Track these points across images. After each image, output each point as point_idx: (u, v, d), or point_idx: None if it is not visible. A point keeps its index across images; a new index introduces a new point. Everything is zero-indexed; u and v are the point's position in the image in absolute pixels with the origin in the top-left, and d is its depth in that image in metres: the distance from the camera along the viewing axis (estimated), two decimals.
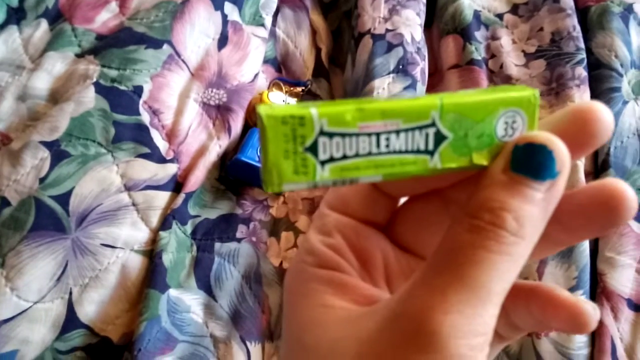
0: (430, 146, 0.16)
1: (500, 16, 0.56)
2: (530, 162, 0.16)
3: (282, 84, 0.53)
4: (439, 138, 0.16)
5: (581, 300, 0.19)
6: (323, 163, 0.16)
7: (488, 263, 0.15)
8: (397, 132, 0.16)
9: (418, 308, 0.15)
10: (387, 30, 0.52)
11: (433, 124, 0.16)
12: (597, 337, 0.42)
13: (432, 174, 0.17)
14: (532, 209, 0.16)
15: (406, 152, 0.16)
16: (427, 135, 0.16)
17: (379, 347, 0.16)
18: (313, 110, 0.15)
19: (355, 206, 0.20)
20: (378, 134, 0.16)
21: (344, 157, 0.16)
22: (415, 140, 0.16)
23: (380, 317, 0.16)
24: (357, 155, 0.16)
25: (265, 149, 0.16)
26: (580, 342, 0.41)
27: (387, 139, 0.16)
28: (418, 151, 0.16)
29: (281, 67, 0.57)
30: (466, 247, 0.15)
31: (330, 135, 0.16)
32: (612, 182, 0.17)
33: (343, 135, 0.16)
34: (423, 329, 0.15)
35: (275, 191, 0.16)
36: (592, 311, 0.18)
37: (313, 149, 0.16)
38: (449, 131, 0.16)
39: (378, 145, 0.16)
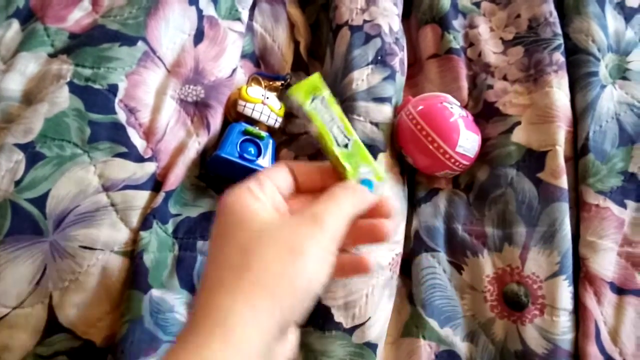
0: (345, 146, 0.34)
1: (477, 4, 0.56)
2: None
3: (261, 79, 0.53)
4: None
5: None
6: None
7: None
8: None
9: (320, 210, 0.30)
10: (365, 22, 0.52)
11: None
12: (581, 321, 0.42)
13: (329, 155, 0.34)
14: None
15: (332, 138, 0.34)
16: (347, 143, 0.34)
17: (294, 223, 0.30)
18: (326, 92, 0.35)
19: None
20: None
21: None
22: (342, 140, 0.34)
23: (296, 213, 0.31)
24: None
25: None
26: (564, 327, 0.42)
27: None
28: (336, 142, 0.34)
29: (260, 62, 0.56)
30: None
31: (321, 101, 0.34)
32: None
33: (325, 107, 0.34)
34: (319, 217, 0.29)
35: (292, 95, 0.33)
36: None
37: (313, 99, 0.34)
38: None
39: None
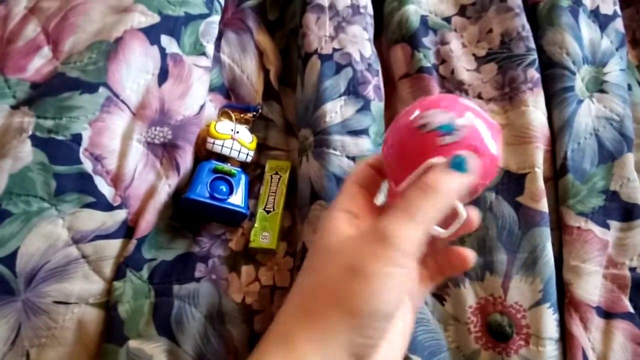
0: None
1: (448, 19, 0.54)
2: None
3: (231, 112, 0.52)
4: None
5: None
6: None
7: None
8: None
9: (384, 224, 0.28)
10: (335, 50, 0.50)
11: None
12: (568, 349, 0.41)
13: None
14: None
15: None
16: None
17: (358, 242, 0.29)
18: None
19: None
20: None
21: None
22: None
23: (364, 228, 0.30)
24: None
25: None
26: (551, 357, 0.40)
27: None
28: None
29: (230, 94, 0.55)
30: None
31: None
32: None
33: None
34: (381, 233, 0.28)
35: None
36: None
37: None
38: None
39: None
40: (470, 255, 0.34)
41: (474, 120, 0.30)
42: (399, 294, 0.28)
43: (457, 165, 0.29)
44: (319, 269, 0.30)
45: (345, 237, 0.30)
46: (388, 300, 0.27)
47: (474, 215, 0.33)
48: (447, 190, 0.29)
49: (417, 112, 0.31)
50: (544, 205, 0.43)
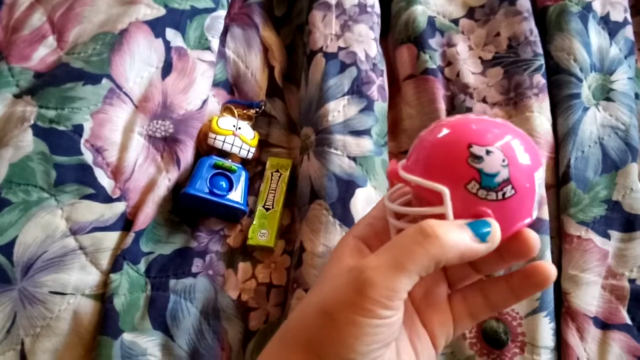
0: None
1: (455, 21, 0.54)
2: None
3: (233, 108, 0.52)
4: None
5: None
6: None
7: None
8: None
9: (365, 266, 0.26)
10: (340, 49, 0.50)
11: None
12: (563, 359, 0.41)
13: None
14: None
15: None
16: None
17: (340, 280, 0.27)
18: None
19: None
20: None
21: None
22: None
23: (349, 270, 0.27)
24: None
25: None
26: None
27: None
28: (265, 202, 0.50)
29: (233, 89, 0.55)
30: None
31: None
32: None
33: None
34: (360, 278, 0.26)
35: None
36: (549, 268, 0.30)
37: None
38: None
39: None
40: (551, 268, 0.30)
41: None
42: (372, 344, 0.26)
43: (480, 234, 0.26)
44: (304, 302, 0.29)
45: (342, 269, 0.28)
46: (358, 349, 0.25)
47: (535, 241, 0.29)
48: (452, 245, 0.25)
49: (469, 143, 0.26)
50: (544, 213, 0.43)
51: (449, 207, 0.26)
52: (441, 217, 0.27)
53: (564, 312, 0.42)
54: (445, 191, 0.26)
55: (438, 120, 0.29)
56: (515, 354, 0.41)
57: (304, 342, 0.26)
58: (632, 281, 0.42)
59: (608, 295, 0.42)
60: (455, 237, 0.25)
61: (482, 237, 0.26)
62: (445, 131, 0.27)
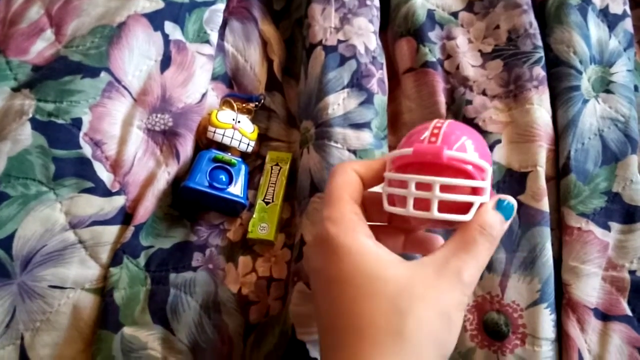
0: None
1: (455, 14, 0.53)
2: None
3: (232, 101, 0.52)
4: None
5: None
6: None
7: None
8: None
9: (460, 265, 0.30)
10: (339, 42, 0.50)
11: None
12: (564, 350, 0.41)
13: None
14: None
15: None
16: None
17: (427, 278, 0.29)
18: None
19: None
20: None
21: None
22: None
23: (432, 265, 0.30)
24: None
25: None
26: (546, 357, 0.40)
27: None
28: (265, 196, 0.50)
29: (232, 83, 0.55)
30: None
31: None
32: None
33: None
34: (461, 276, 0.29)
35: None
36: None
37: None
38: None
39: None
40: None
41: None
42: None
43: (505, 210, 0.32)
44: (404, 307, 0.28)
45: (392, 267, 0.29)
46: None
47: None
48: (497, 237, 0.31)
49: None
50: (545, 205, 0.43)
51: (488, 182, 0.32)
52: (477, 190, 0.32)
53: (564, 303, 0.42)
54: (489, 168, 0.32)
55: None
56: (516, 345, 0.41)
57: (434, 342, 0.28)
58: (632, 272, 0.42)
59: (608, 287, 0.42)
60: (500, 231, 0.32)
61: (508, 214, 0.32)
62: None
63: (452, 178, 0.30)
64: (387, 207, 0.32)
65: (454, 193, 0.30)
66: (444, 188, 0.30)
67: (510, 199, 0.32)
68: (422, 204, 0.31)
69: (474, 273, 0.30)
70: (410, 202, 0.31)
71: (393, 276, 0.29)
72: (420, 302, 0.28)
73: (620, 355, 0.40)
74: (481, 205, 0.31)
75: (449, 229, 0.37)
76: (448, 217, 0.30)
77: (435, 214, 0.30)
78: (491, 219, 0.31)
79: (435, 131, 0.32)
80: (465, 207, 0.31)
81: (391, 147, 0.50)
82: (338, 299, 0.29)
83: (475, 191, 0.31)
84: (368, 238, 0.31)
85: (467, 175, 0.31)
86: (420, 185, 0.31)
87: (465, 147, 0.31)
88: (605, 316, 0.41)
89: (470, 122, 0.48)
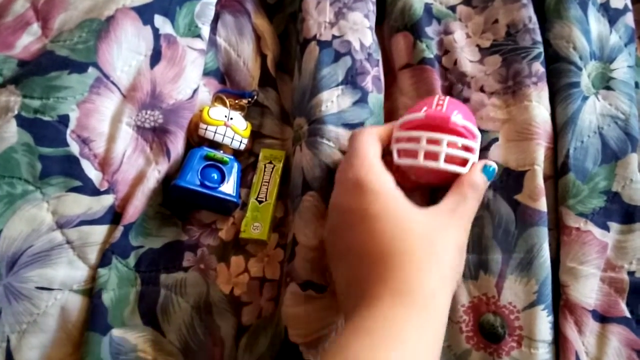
0: None
1: (453, 8, 0.52)
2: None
3: (225, 97, 0.50)
4: None
5: None
6: None
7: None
8: None
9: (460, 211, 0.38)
10: (334, 37, 0.49)
11: None
12: (561, 353, 0.40)
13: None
14: None
15: None
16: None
17: (443, 220, 0.37)
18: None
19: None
20: None
21: None
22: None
23: (444, 211, 0.38)
24: None
25: None
26: None
27: None
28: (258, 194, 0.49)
29: (225, 78, 0.54)
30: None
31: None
32: None
33: None
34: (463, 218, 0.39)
35: None
36: None
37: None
38: None
39: None
40: None
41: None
42: None
43: (488, 173, 0.40)
44: (436, 243, 0.35)
45: (416, 211, 0.36)
46: None
47: None
48: (482, 193, 0.40)
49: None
50: (542, 205, 0.42)
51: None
52: (471, 150, 0.40)
53: (562, 305, 0.41)
54: (479, 134, 0.41)
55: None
56: (513, 347, 0.40)
57: (450, 277, 0.37)
58: (631, 274, 0.41)
59: (607, 288, 0.41)
60: (484, 187, 0.41)
61: (490, 176, 0.41)
62: None
63: (457, 137, 0.39)
64: (397, 160, 0.40)
65: (456, 149, 0.39)
66: (449, 144, 0.38)
67: (492, 164, 0.41)
68: (430, 156, 0.39)
69: (471, 218, 0.39)
70: (421, 154, 0.39)
71: (420, 218, 0.36)
72: (444, 237, 0.36)
73: (618, 358, 0.40)
74: (473, 164, 0.40)
75: (440, 187, 0.42)
76: (451, 167, 0.39)
77: (442, 164, 0.38)
78: (478, 179, 0.39)
79: (441, 102, 0.41)
80: (462, 163, 0.39)
81: None
82: (376, 231, 0.35)
83: (469, 150, 0.40)
84: (395, 186, 0.37)
85: (465, 137, 0.39)
86: (430, 141, 0.39)
87: (462, 117, 0.40)
88: (603, 318, 0.41)
89: None
